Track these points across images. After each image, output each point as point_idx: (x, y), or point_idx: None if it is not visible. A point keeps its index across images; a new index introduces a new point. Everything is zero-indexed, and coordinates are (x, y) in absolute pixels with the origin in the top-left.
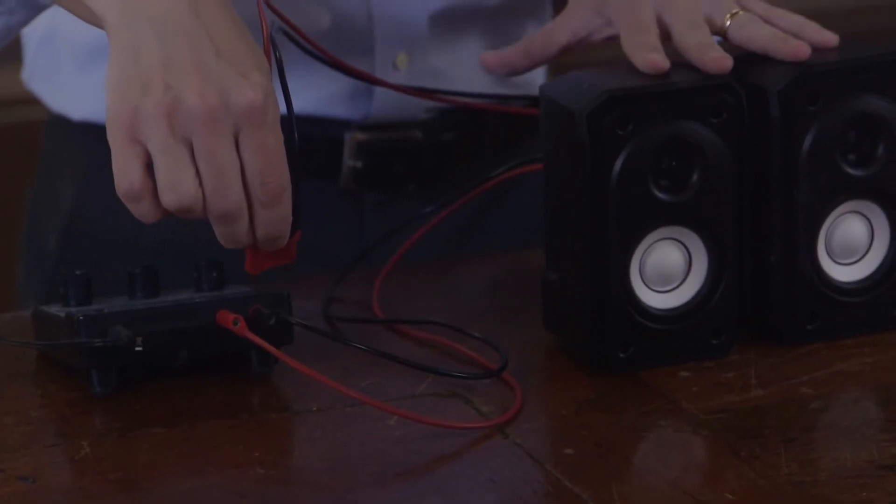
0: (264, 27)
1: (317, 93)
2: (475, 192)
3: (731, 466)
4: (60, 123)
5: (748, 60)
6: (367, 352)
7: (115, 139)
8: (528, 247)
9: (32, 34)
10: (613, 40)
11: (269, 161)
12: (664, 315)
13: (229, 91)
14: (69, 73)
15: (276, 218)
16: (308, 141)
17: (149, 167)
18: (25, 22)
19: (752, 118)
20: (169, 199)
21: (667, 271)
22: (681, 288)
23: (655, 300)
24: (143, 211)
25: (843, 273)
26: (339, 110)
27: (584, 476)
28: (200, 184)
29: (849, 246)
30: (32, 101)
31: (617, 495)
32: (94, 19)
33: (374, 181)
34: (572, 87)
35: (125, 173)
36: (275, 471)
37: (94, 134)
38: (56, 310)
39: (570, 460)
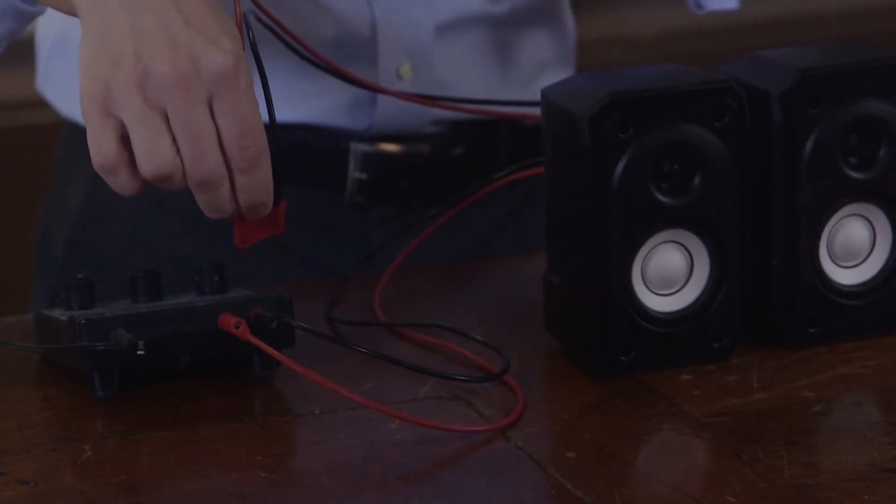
0: (237, 9)
1: (318, 102)
2: (477, 196)
3: (733, 469)
4: (71, 130)
5: (750, 63)
6: (368, 355)
7: (88, 114)
8: (529, 250)
9: (45, 41)
10: None
11: (245, 125)
12: (666, 318)
13: (200, 57)
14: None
15: (257, 183)
16: (313, 151)
17: (124, 140)
18: (14, 31)
19: (754, 121)
20: (147, 167)
21: (668, 274)
22: (682, 291)
23: (657, 303)
24: (120, 183)
25: (844, 276)
26: (341, 120)
27: (586, 479)
28: (178, 152)
29: (851, 249)
30: (46, 104)
31: (619, 499)
32: (69, 9)
33: (380, 195)
34: (574, 91)
35: (99, 146)
36: (277, 474)
37: None
38: (58, 313)
39: (572, 464)
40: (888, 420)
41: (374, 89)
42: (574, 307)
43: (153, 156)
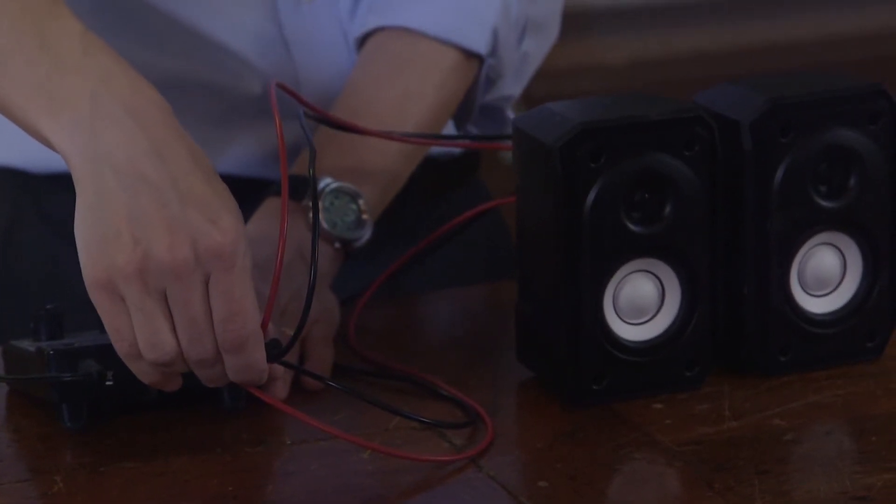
0: (278, 123)
1: (237, 153)
2: (446, 228)
3: (705, 499)
4: None
5: (720, 93)
6: (339, 388)
7: (97, 302)
8: (501, 279)
9: None
10: None
11: (233, 309)
12: (638, 347)
13: (198, 239)
14: None
15: (243, 364)
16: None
17: None
18: None
19: (725, 150)
20: (149, 356)
21: (640, 303)
22: (654, 320)
23: (629, 332)
24: (141, 369)
25: (815, 304)
26: (260, 171)
27: None
28: (177, 333)
29: (821, 277)
30: None
31: None
32: (58, 153)
33: None
34: (544, 120)
35: (120, 336)
36: None
37: (14, 181)
38: (27, 344)
39: (545, 493)
40: (859, 448)
41: (365, 133)
42: (546, 336)
43: (154, 347)
